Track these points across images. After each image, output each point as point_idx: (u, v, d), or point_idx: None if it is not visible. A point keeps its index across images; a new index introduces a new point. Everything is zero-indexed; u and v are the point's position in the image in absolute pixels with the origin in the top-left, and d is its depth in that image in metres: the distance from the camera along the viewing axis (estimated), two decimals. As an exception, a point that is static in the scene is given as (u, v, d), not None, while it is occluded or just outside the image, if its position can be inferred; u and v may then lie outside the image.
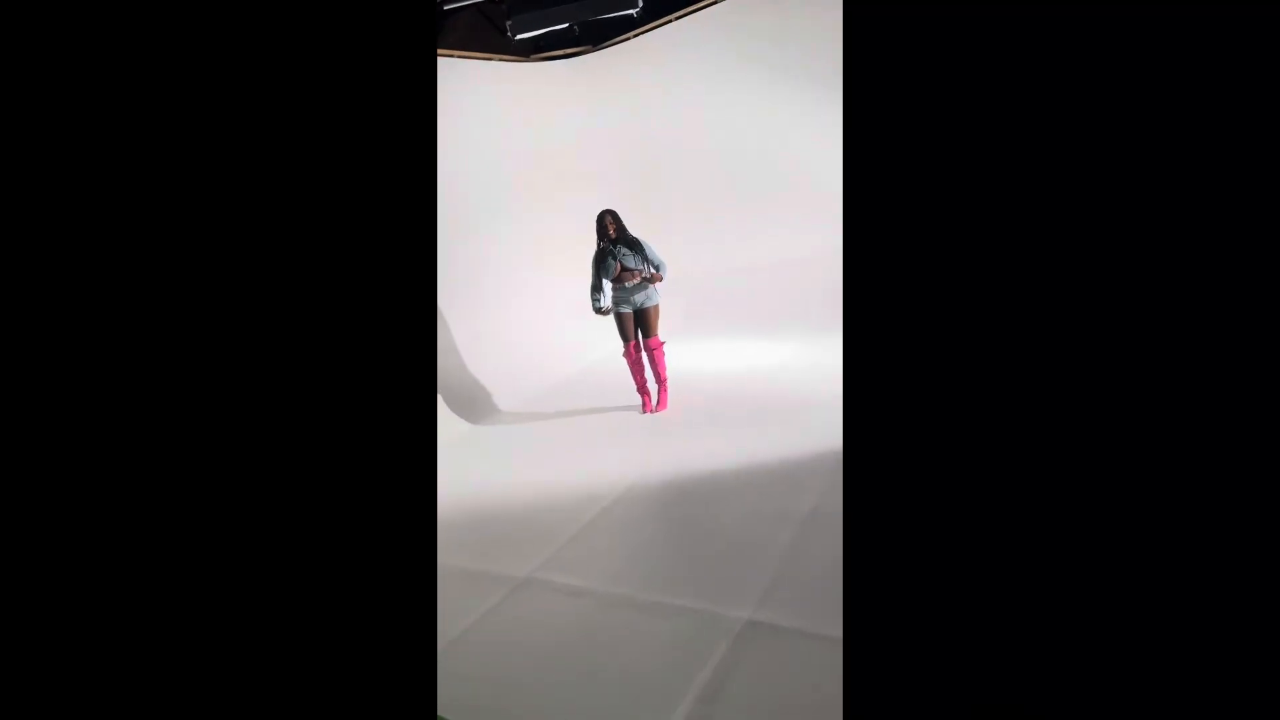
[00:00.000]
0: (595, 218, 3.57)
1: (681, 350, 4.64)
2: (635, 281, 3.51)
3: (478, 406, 4.10)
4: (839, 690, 1.48)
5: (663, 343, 3.65)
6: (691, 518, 2.49)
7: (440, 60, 4.54)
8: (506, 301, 4.59)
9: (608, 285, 3.57)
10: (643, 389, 3.71)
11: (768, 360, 4.23)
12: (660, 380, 3.68)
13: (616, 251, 3.50)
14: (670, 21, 4.85)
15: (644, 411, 3.67)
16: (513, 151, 4.90)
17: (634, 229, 3.69)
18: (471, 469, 3.23)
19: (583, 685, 1.62)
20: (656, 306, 3.60)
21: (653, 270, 3.54)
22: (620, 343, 3.70)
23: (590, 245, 3.65)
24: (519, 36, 4.03)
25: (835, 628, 1.66)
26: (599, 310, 3.60)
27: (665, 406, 3.68)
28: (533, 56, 5.19)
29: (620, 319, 3.62)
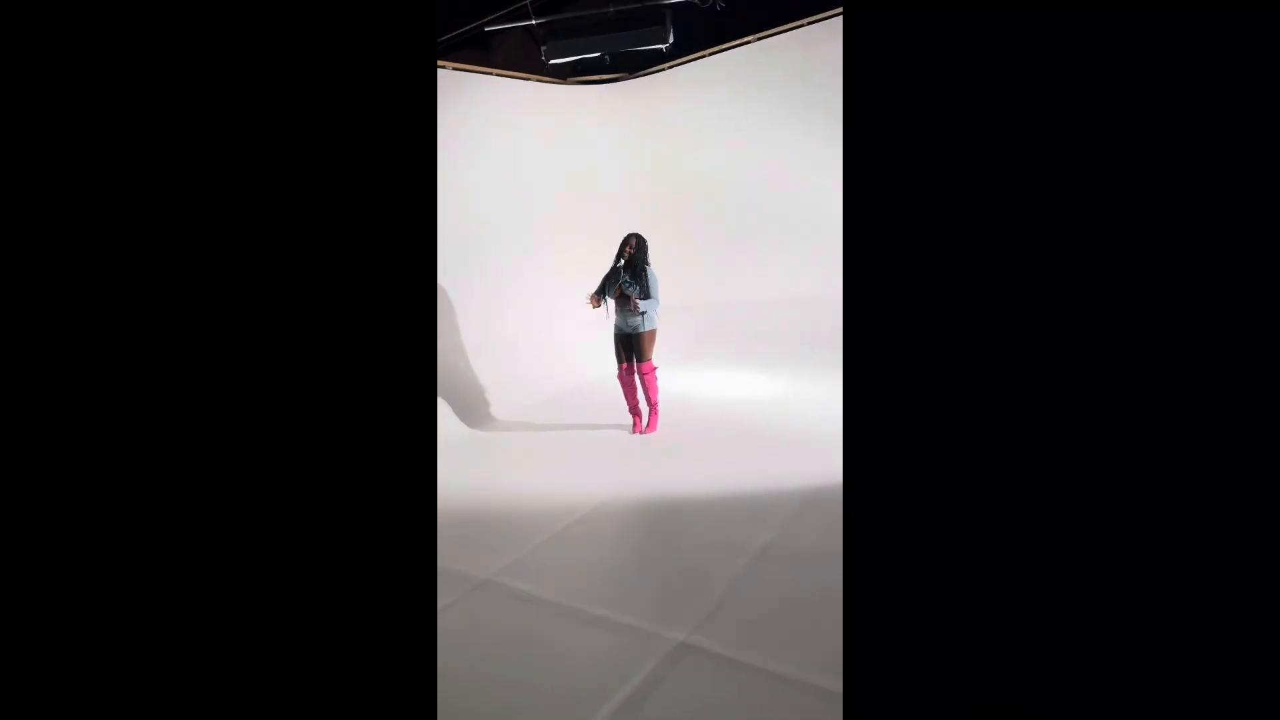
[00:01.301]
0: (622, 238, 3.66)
1: (682, 375, 4.72)
2: (631, 309, 3.61)
3: (477, 411, 4.22)
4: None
5: (655, 368, 3.73)
6: (652, 539, 2.55)
7: (481, 77, 4.75)
8: (518, 312, 4.73)
9: (609, 301, 3.68)
10: (634, 410, 3.79)
11: (762, 393, 4.29)
12: (651, 403, 3.76)
13: (623, 276, 3.61)
14: (701, 57, 4.99)
15: (633, 432, 3.75)
16: (540, 169, 5.07)
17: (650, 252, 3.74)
18: (459, 470, 3.33)
19: (508, 689, 1.69)
20: (652, 332, 3.68)
21: (638, 301, 3.57)
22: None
23: (605, 265, 3.76)
24: (552, 62, 4.20)
25: (763, 659, 1.71)
26: (593, 303, 3.61)
27: (655, 429, 3.75)
28: (570, 79, 5.39)
29: (616, 341, 3.72)
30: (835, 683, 1.57)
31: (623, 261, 3.61)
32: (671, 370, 4.68)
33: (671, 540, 2.48)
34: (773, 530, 2.40)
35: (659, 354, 3.79)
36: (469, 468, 3.40)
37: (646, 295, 3.57)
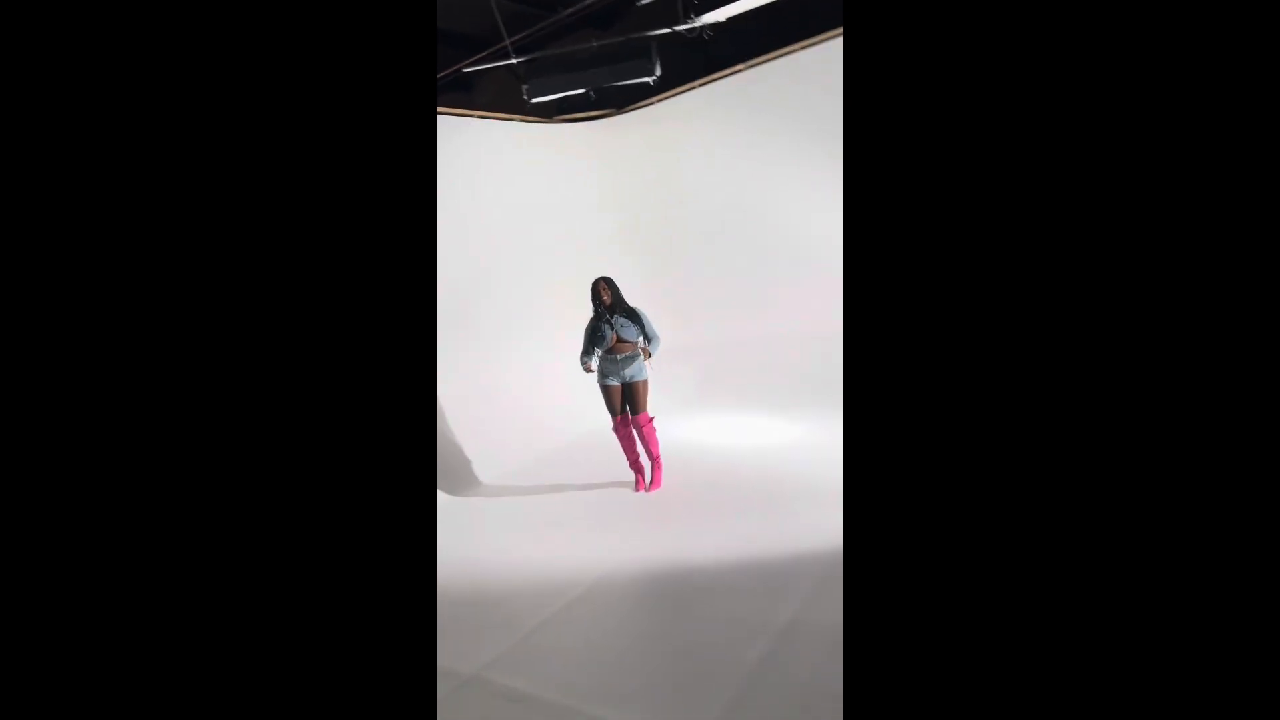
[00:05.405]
0: (590, 285, 3.59)
1: (690, 423, 4.56)
2: (628, 354, 3.48)
3: (459, 476, 4.04)
4: None
5: (652, 418, 3.57)
6: (659, 619, 2.35)
7: (464, 120, 4.74)
8: (501, 362, 4.59)
9: (597, 354, 3.55)
10: (635, 465, 3.62)
11: (777, 439, 4.11)
12: (653, 457, 3.59)
13: (614, 322, 3.48)
14: (691, 89, 4.99)
15: (637, 490, 3.57)
16: (523, 211, 5.01)
17: (643, 294, 3.65)
18: (440, 545, 3.14)
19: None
20: (646, 381, 3.53)
21: (644, 344, 3.51)
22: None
23: (588, 311, 3.65)
24: (534, 100, 4.17)
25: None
26: (587, 368, 3.54)
27: (659, 485, 3.57)
28: (555, 118, 5.39)
29: (607, 392, 3.57)
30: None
31: (604, 305, 3.49)
32: (675, 418, 4.53)
33: (682, 620, 2.28)
34: (794, 605, 2.21)
35: (659, 401, 3.64)
36: (454, 542, 3.20)
37: (648, 335, 3.48)
